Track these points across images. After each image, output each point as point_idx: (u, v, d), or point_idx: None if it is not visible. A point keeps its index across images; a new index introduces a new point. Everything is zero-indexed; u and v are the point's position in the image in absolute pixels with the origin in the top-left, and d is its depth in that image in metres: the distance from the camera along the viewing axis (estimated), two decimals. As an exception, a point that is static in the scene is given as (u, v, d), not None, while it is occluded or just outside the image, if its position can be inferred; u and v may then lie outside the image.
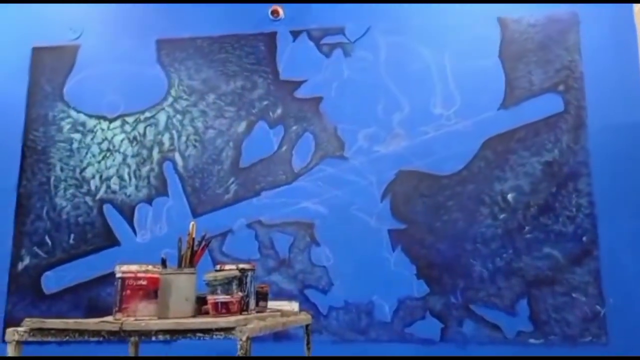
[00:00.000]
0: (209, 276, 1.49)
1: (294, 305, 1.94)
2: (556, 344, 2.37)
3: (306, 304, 2.49)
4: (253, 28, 2.73)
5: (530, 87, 2.58)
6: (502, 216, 2.53)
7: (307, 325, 1.84)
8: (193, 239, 1.61)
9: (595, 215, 2.49)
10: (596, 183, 2.51)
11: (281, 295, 2.46)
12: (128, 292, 1.37)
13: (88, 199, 2.72)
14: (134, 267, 1.38)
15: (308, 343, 1.85)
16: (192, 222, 1.65)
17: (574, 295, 2.44)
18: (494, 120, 2.58)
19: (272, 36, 2.73)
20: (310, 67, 2.68)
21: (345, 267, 2.55)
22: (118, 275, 1.39)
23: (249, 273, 1.58)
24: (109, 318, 1.41)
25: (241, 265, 1.58)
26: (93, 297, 2.56)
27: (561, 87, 2.57)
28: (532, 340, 2.39)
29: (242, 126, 2.68)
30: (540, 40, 2.60)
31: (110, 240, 2.67)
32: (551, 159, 2.54)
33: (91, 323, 1.37)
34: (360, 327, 2.49)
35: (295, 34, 2.72)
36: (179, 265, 1.57)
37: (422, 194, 2.57)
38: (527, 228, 2.51)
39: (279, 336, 2.40)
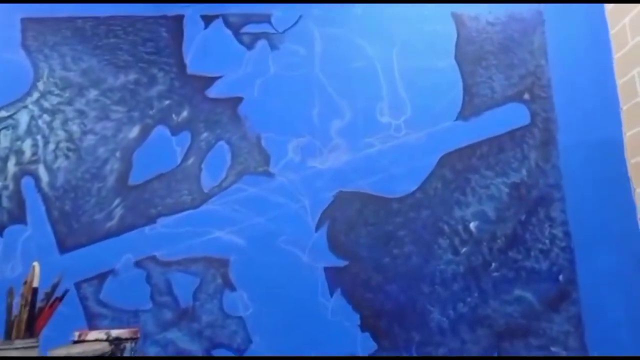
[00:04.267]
0: (58, 353, 0.89)
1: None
2: (545, 415, 1.93)
3: (214, 370, 1.89)
4: (154, 9, 2.19)
5: (491, 95, 2.22)
6: (464, 250, 2.09)
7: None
8: (34, 289, 1.02)
9: (572, 248, 2.11)
10: (571, 210, 2.14)
11: None
12: None
13: None
14: None
15: None
16: (34, 264, 1.08)
17: (552, 349, 2.00)
18: (452, 133, 2.18)
19: (178, 20, 2.19)
20: (226, 60, 2.14)
21: (269, 317, 1.97)
22: None
23: (127, 345, 1.01)
24: None
25: (115, 332, 1.01)
26: None
27: (526, 96, 2.23)
28: (512, 410, 1.93)
29: (134, 131, 2.08)
30: (500, 41, 2.27)
31: None
32: (518, 180, 2.16)
33: None
34: (288, 400, 1.92)
35: (208, 19, 2.20)
36: (7, 335, 0.98)
37: (367, 222, 2.08)
38: (493, 265, 2.09)
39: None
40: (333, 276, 2.03)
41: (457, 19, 2.27)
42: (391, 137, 2.15)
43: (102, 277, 1.97)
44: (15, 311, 1.14)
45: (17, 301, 1.17)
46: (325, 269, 2.03)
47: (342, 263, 2.04)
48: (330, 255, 2.05)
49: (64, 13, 2.13)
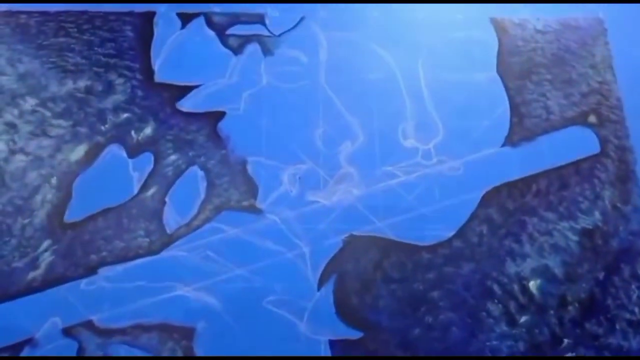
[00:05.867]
0: None
1: None
2: None
3: None
4: (118, 4, 1.83)
5: (547, 116, 1.79)
6: (523, 319, 1.57)
7: None
8: None
9: (670, 319, 1.63)
10: (664, 266, 1.68)
11: None
12: None
13: None
14: None
15: None
16: None
17: None
18: (498, 162, 1.72)
19: (148, 17, 1.80)
20: (207, 67, 1.72)
21: (249, 414, 1.45)
22: None
23: None
24: None
25: None
26: None
27: (592, 118, 1.81)
28: None
29: (78, 151, 1.62)
30: (554, 52, 1.87)
31: None
32: (591, 225, 1.68)
33: None
34: None
35: (186, 18, 1.81)
36: None
37: (388, 278, 1.57)
38: (566, 341, 1.56)
39: None
40: (342, 353, 1.50)
41: (497, 25, 1.88)
42: (418, 165, 1.68)
43: (16, 349, 1.42)
44: None
45: None
46: (331, 343, 1.51)
47: (354, 335, 1.52)
48: (337, 323, 1.52)
49: (4, 6, 1.77)
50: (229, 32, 1.78)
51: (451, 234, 1.62)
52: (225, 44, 1.77)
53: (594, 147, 1.75)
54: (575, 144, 1.75)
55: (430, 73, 1.79)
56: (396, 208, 1.63)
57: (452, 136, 1.72)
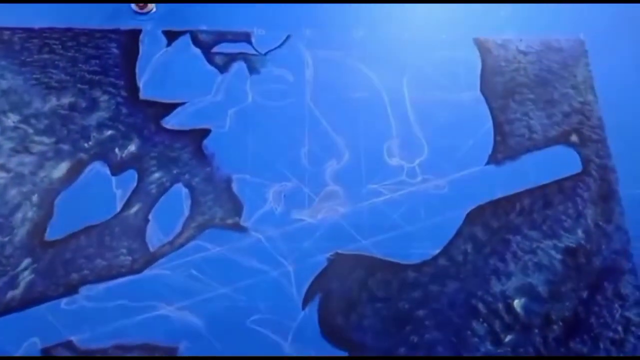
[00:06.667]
0: None
1: None
2: None
3: None
4: (104, 21, 1.85)
5: (530, 135, 1.83)
6: (508, 338, 1.59)
7: None
8: None
9: (653, 337, 1.65)
10: (646, 284, 1.71)
11: None
12: None
13: None
14: None
15: None
16: None
17: None
18: (482, 180, 1.74)
19: (134, 35, 1.82)
20: (192, 84, 1.74)
21: None
22: None
23: None
24: None
25: None
26: None
27: (574, 138, 1.84)
28: None
29: (60, 168, 1.61)
30: (536, 73, 1.92)
31: None
32: (574, 244, 1.71)
33: None
34: None
35: (172, 36, 1.83)
36: None
37: (373, 297, 1.58)
38: (550, 360, 1.60)
39: None
40: (326, 374, 1.52)
41: (481, 45, 1.93)
42: (403, 184, 1.71)
43: (-9, 372, 1.44)
44: None
45: None
46: (316, 363, 1.52)
47: (338, 353, 1.53)
48: (322, 342, 1.52)
49: (-12, 23, 1.79)
50: (215, 50, 1.80)
51: (436, 252, 1.64)
52: (211, 61, 1.79)
53: (576, 166, 1.79)
54: (558, 163, 1.79)
55: (415, 92, 1.82)
56: (381, 226, 1.64)
57: (436, 155, 1.75)
